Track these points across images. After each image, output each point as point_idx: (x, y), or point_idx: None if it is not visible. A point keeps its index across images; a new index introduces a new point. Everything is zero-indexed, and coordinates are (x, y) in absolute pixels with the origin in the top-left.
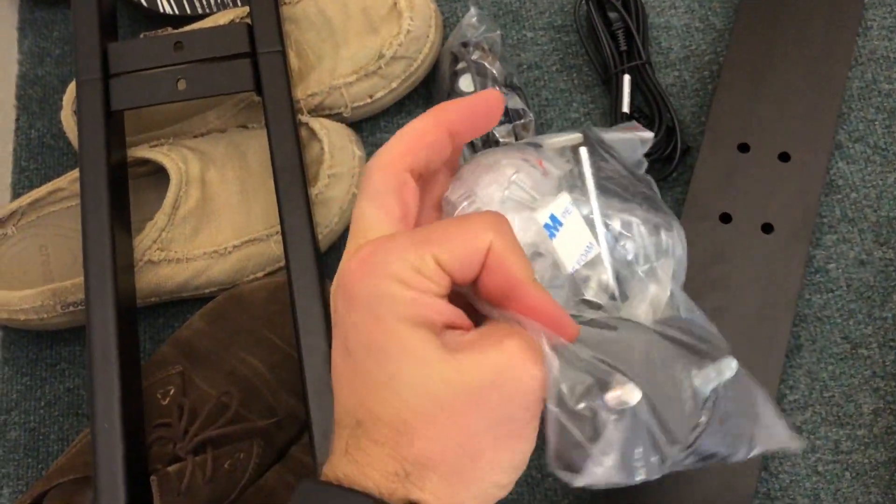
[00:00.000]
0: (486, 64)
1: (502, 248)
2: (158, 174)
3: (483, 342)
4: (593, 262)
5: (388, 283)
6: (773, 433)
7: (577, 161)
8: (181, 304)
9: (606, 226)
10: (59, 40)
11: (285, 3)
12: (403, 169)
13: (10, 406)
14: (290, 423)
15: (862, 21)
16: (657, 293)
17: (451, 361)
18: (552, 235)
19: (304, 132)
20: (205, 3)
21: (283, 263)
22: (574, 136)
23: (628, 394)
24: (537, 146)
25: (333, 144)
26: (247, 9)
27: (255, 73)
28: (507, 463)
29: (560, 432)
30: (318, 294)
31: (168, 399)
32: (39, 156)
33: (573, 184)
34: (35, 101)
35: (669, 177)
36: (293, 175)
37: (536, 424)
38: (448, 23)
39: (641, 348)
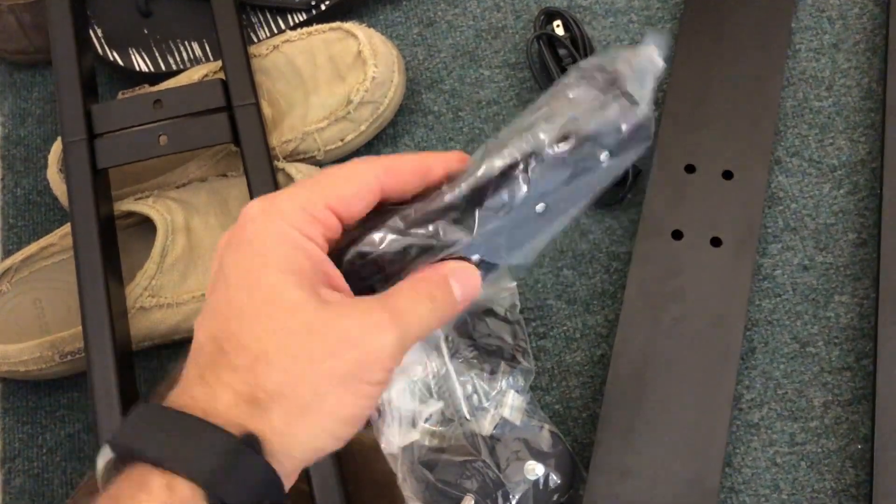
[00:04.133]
0: None
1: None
2: (145, 225)
3: (355, 305)
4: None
5: (279, 224)
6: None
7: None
8: (173, 345)
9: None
10: (39, 100)
11: (255, 56)
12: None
13: (14, 454)
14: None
15: (790, 45)
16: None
17: (319, 311)
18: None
19: (280, 177)
20: (178, 59)
21: None
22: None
23: None
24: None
25: None
26: (219, 63)
27: (232, 126)
28: (347, 414)
29: None
30: None
31: None
32: (27, 212)
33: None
34: (19, 160)
35: (624, 199)
36: None
37: (382, 389)
38: (409, 66)
39: None
